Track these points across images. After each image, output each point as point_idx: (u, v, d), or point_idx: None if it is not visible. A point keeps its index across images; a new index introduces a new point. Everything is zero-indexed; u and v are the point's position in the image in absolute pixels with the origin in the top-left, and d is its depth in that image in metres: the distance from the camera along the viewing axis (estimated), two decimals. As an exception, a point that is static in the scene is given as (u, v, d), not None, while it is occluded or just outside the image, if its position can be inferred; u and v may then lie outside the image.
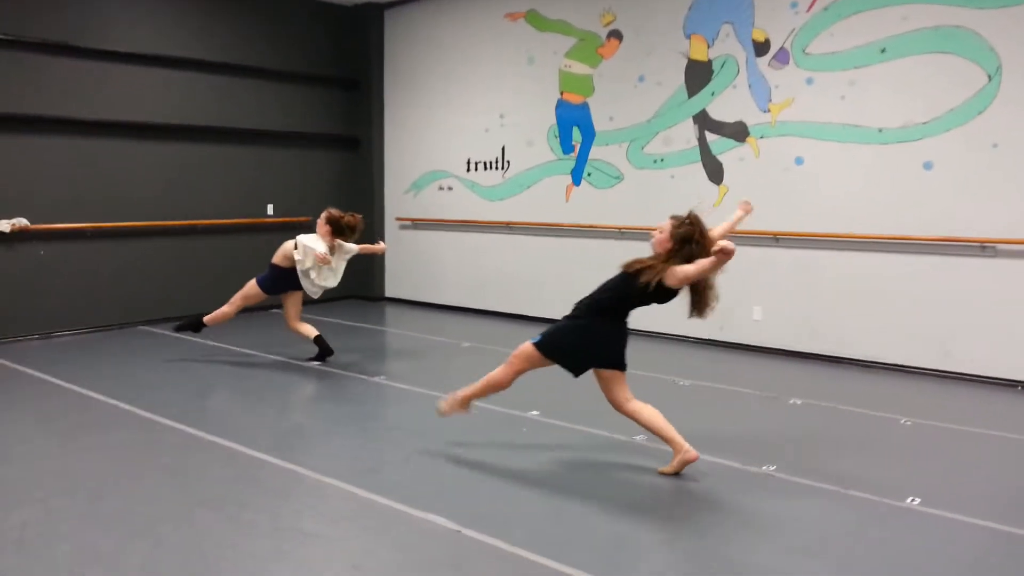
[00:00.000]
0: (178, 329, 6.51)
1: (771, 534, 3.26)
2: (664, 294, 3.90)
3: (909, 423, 4.78)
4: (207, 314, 6.35)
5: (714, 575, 2.92)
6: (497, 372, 4.03)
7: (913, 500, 3.59)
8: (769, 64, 6.48)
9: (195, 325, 6.38)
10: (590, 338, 3.92)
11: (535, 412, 4.85)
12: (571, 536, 3.23)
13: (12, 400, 5.15)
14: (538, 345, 3.93)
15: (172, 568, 2.92)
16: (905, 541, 3.22)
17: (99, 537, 3.17)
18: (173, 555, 3.02)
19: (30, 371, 5.88)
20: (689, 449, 3.82)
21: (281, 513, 3.42)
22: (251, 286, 6.24)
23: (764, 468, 3.98)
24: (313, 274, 6.05)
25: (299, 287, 6.16)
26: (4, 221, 6.82)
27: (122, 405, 4.99)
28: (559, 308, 7.85)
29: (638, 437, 4.41)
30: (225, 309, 6.29)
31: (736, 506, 3.54)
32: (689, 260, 3.81)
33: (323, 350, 6.20)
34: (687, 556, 3.07)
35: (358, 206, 9.58)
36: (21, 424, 4.65)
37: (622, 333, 4.01)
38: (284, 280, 6.15)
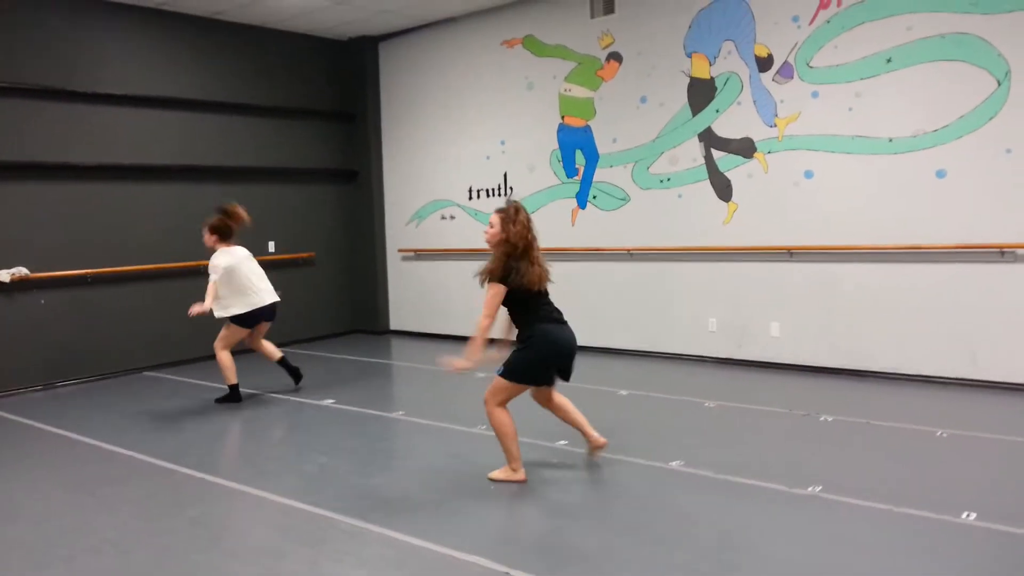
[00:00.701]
0: (219, 401, 6.20)
1: (839, 560, 3.14)
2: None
3: (945, 435, 4.68)
4: (228, 383, 6.14)
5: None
6: (494, 421, 4.09)
7: (969, 515, 3.49)
8: (773, 79, 6.47)
9: (232, 395, 6.14)
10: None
11: (563, 442, 4.73)
12: (630, 572, 3.09)
13: (21, 455, 4.98)
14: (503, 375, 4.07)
15: (214, 628, 2.78)
16: (970, 559, 3.10)
17: (133, 598, 3.01)
18: (213, 613, 2.88)
19: (36, 424, 5.71)
20: (598, 437, 4.32)
21: (320, 563, 3.27)
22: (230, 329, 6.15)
23: (810, 489, 3.86)
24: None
25: (265, 318, 6.17)
26: (3, 271, 6.68)
27: (137, 455, 4.83)
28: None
29: (674, 463, 4.29)
30: (221, 358, 6.10)
31: (792, 530, 3.42)
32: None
33: (291, 373, 6.31)
34: (750, 587, 2.95)
35: (359, 238, 9.52)
36: (34, 479, 4.48)
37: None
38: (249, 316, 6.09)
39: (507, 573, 3.10)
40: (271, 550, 3.40)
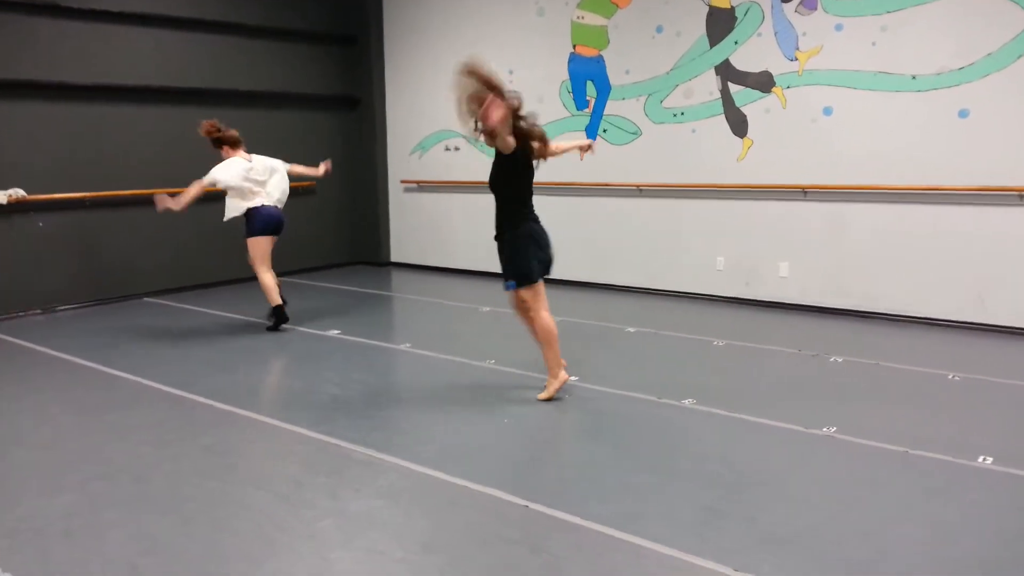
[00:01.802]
0: (271, 329, 6.04)
1: (857, 499, 3.14)
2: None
3: (957, 378, 4.68)
4: (272, 303, 6.03)
5: (811, 546, 2.80)
6: (539, 322, 4.29)
7: (985, 459, 3.49)
8: (796, 10, 6.25)
9: (278, 316, 6.02)
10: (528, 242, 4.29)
11: (575, 378, 4.70)
12: (647, 508, 3.09)
13: (25, 378, 4.93)
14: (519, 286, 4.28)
15: (237, 554, 2.76)
16: (985, 501, 3.11)
17: (151, 523, 2.99)
18: (234, 540, 2.86)
19: (38, 347, 5.64)
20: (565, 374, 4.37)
21: (338, 492, 3.26)
22: (251, 244, 6.09)
23: (825, 430, 3.86)
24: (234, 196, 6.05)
25: (272, 229, 6.06)
26: (0, 192, 6.51)
27: (144, 381, 4.78)
28: (576, 270, 7.75)
29: (686, 401, 4.28)
30: (263, 279, 6.01)
31: (809, 470, 3.42)
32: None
33: (279, 319, 6.04)
34: (769, 528, 2.95)
35: (360, 168, 9.34)
36: (40, 403, 4.44)
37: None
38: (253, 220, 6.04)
39: (526, 506, 3.09)
40: (288, 478, 3.39)
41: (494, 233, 4.34)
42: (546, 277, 4.41)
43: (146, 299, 7.42)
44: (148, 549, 2.81)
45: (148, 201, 7.51)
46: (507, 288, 4.32)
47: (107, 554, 2.78)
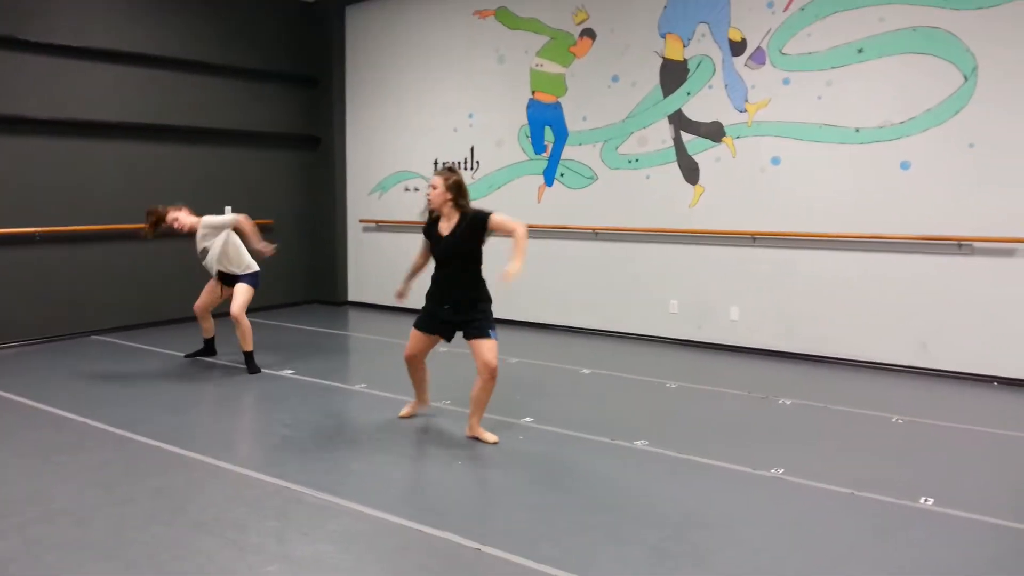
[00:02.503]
0: (252, 372, 5.90)
1: (803, 541, 3.20)
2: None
3: (901, 421, 4.81)
4: (244, 349, 5.95)
5: (751, 586, 2.84)
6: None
7: (926, 500, 3.59)
8: (746, 64, 6.49)
9: (251, 365, 5.94)
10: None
11: (528, 419, 4.73)
12: (598, 550, 3.11)
13: (-34, 418, 4.78)
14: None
15: (180, 601, 2.70)
16: (929, 543, 3.19)
17: (94, 568, 2.92)
18: (178, 586, 2.80)
19: (-20, 386, 5.48)
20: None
21: (286, 536, 3.21)
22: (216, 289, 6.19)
23: (773, 471, 3.93)
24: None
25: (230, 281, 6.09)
26: (-54, 226, 6.37)
27: (91, 422, 4.67)
28: (532, 311, 7.82)
29: (639, 443, 4.32)
30: (246, 323, 5.93)
31: (757, 511, 3.48)
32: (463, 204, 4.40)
33: (207, 350, 6.35)
34: (719, 571, 2.98)
35: (319, 207, 9.35)
36: (-19, 445, 4.31)
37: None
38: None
39: (478, 549, 3.09)
40: (235, 523, 3.33)
41: (454, 301, 4.43)
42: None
43: (94, 337, 7.27)
44: (88, 596, 2.73)
45: (99, 237, 7.44)
46: (492, 336, 4.38)
47: (45, 601, 2.69)
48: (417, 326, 4.60)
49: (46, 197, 7.01)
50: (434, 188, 4.38)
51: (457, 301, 4.40)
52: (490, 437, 4.37)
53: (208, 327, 6.34)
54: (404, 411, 4.84)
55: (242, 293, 5.91)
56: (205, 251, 5.96)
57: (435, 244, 4.45)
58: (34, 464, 4.00)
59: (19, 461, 4.05)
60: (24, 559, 2.99)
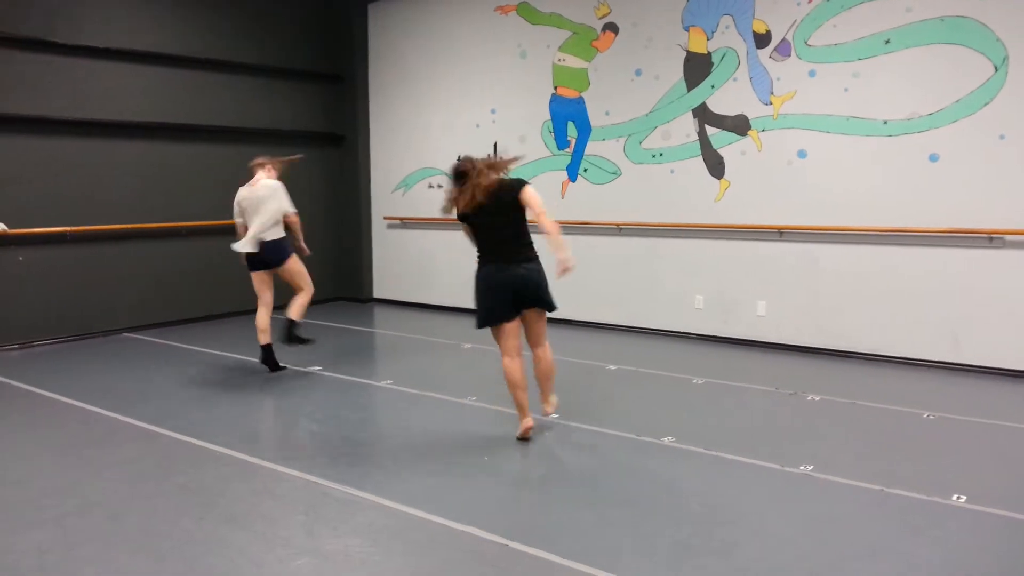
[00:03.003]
0: (288, 343, 5.82)
1: (833, 537, 3.17)
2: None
3: (932, 417, 4.75)
4: (292, 315, 5.79)
5: (779, 582, 2.82)
6: (506, 365, 4.31)
7: (959, 498, 3.54)
8: (770, 56, 6.43)
9: (291, 335, 5.78)
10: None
11: (554, 416, 4.73)
12: (623, 545, 3.10)
13: (2, 414, 4.87)
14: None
15: (211, 594, 2.74)
16: (961, 541, 3.15)
17: (125, 561, 2.96)
18: (209, 579, 2.84)
19: (14, 383, 5.59)
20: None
21: (315, 529, 3.24)
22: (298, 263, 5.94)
23: (801, 468, 3.90)
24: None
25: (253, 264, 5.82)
26: (-20, 225, 6.50)
27: (122, 417, 4.75)
28: (558, 308, 7.77)
29: (666, 439, 4.31)
30: (302, 296, 5.88)
31: (787, 507, 3.45)
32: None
33: (268, 362, 5.84)
34: (747, 565, 2.96)
35: (344, 204, 9.40)
36: (16, 440, 4.40)
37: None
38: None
39: (505, 544, 3.09)
40: (264, 516, 3.37)
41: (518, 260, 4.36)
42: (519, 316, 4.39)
43: (125, 334, 7.38)
44: (122, 588, 2.78)
45: (129, 236, 7.55)
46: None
47: (80, 593, 2.74)
48: (493, 320, 4.28)
49: (75, 197, 7.12)
50: (479, 184, 4.21)
51: (521, 258, 4.29)
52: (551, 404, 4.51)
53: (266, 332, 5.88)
54: (522, 430, 4.32)
55: (296, 265, 5.88)
56: (250, 210, 5.76)
57: (475, 217, 4.26)
58: (68, 458, 4.08)
59: (53, 456, 4.12)
60: (60, 550, 3.05)
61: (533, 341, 4.43)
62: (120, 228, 7.43)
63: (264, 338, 5.80)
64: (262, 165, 6.00)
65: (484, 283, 4.29)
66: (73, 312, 7.17)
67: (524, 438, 4.30)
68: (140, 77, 7.52)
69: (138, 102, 7.51)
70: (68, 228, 7.05)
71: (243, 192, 5.88)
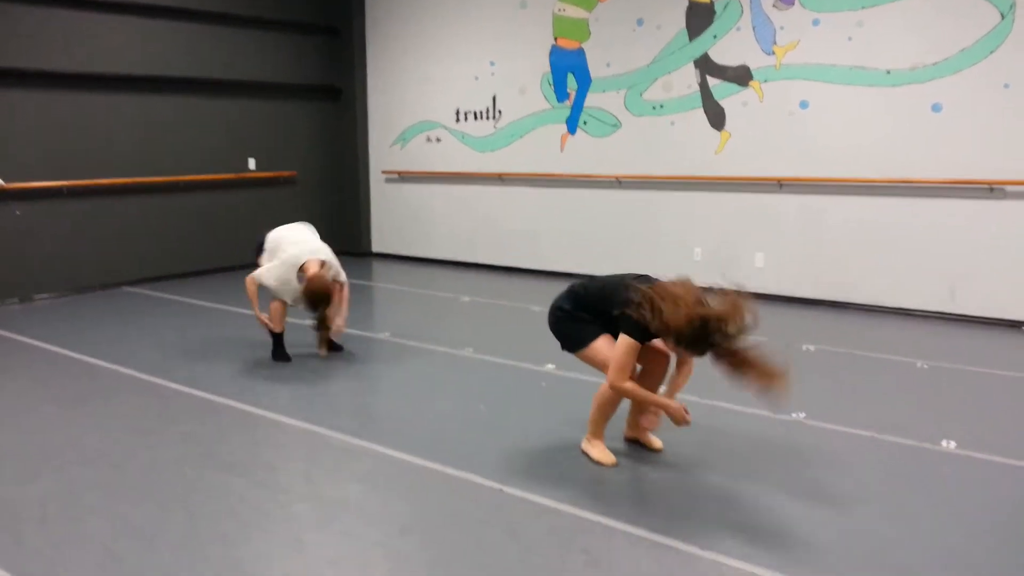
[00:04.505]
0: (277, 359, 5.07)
1: (824, 482, 3.22)
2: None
3: (926, 366, 4.78)
4: (273, 331, 5.01)
5: (778, 525, 2.87)
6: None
7: (949, 443, 3.58)
8: (774, 5, 6.32)
9: (278, 351, 5.05)
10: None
11: (551, 365, 4.76)
12: (617, 491, 3.16)
13: (2, 367, 4.92)
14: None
15: (212, 538, 2.80)
16: (948, 485, 3.20)
17: (128, 509, 3.02)
18: (210, 525, 2.89)
19: (16, 336, 5.63)
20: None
21: (314, 477, 3.30)
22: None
23: (794, 415, 3.94)
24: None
25: None
26: (-23, 180, 6.48)
27: (123, 370, 4.79)
28: (556, 260, 7.82)
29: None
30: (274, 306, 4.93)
31: (778, 454, 3.50)
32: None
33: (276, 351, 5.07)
34: (739, 508, 3.02)
35: (342, 158, 9.35)
36: (19, 391, 4.45)
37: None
38: None
39: (500, 489, 3.15)
40: (264, 464, 3.42)
41: None
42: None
43: (125, 288, 7.40)
44: (124, 533, 2.83)
45: (126, 190, 7.53)
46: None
47: (83, 538, 2.80)
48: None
49: (73, 151, 7.09)
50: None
51: None
52: (656, 442, 3.60)
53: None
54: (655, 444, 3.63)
55: None
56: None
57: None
58: (70, 410, 4.13)
59: (55, 408, 4.17)
60: (63, 499, 3.10)
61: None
62: (118, 182, 7.40)
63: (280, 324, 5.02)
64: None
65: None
66: (72, 267, 7.19)
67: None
68: (137, 30, 7.42)
69: (135, 55, 7.42)
70: (65, 182, 7.02)
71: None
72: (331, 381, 4.60)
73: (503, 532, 2.82)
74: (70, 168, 7.08)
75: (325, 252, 4.87)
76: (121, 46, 7.32)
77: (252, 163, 8.49)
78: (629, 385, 3.23)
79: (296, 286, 4.70)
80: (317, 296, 4.62)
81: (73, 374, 4.76)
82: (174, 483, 3.24)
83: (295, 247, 4.78)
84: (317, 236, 5.06)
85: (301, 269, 4.70)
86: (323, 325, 4.86)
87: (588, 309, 3.39)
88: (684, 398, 4.20)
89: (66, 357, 5.10)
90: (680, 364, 3.43)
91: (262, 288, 4.79)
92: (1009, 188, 5.57)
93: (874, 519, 2.91)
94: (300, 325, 5.76)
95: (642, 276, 3.36)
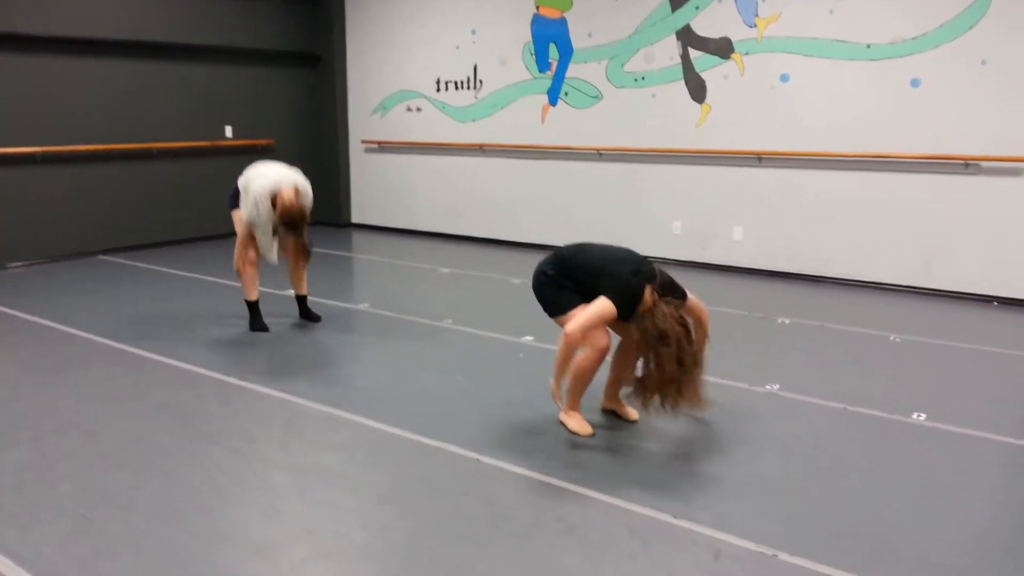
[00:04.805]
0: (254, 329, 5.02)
1: (795, 452, 3.27)
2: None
3: (899, 340, 4.85)
4: (248, 298, 5.00)
5: (750, 495, 2.92)
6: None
7: (919, 415, 3.65)
8: (756, -23, 6.29)
9: (255, 321, 5.01)
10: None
11: (529, 337, 4.78)
12: (593, 460, 3.19)
13: (-24, 335, 4.87)
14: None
15: (188, 506, 2.80)
16: (917, 456, 3.27)
17: (103, 476, 3.02)
18: (186, 492, 2.90)
19: (-11, 305, 5.56)
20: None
21: (292, 446, 3.30)
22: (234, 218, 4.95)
23: (768, 387, 3.99)
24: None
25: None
26: (-54, 145, 6.34)
27: (98, 339, 4.75)
28: (536, 232, 7.81)
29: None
30: (237, 266, 4.93)
31: (752, 426, 3.55)
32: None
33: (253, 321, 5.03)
34: (712, 477, 3.06)
35: (320, 127, 9.24)
36: (-8, 360, 4.40)
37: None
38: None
39: (477, 459, 3.17)
40: (242, 433, 3.42)
41: None
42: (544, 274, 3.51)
43: (100, 257, 7.32)
44: (99, 501, 2.83)
45: (101, 157, 7.41)
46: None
47: (58, 506, 2.80)
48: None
49: (46, 117, 6.95)
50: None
51: None
52: (632, 413, 3.60)
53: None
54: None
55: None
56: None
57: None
58: (45, 379, 4.09)
59: (30, 377, 4.14)
60: (38, 467, 3.09)
61: None
62: (92, 149, 7.28)
63: (253, 292, 5.03)
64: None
65: None
66: (46, 235, 7.09)
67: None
68: (107, -9, 7.26)
69: (109, 19, 7.26)
70: (39, 148, 6.90)
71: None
72: (309, 352, 4.59)
73: (480, 501, 2.85)
74: (44, 134, 6.94)
75: (297, 178, 4.85)
76: (95, 10, 7.15)
77: (229, 131, 8.38)
78: (577, 339, 3.22)
79: (272, 214, 4.70)
80: (293, 218, 4.66)
81: (48, 343, 4.71)
82: (150, 452, 3.23)
83: (267, 180, 4.72)
84: (286, 167, 4.97)
85: (275, 197, 4.69)
86: (296, 231, 4.77)
87: (572, 278, 3.41)
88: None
89: (40, 325, 5.05)
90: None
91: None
92: (984, 164, 5.62)
93: (846, 490, 2.97)
94: (277, 296, 5.73)
95: (644, 260, 3.34)
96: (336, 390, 3.96)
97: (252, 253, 4.89)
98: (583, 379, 3.42)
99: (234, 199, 4.95)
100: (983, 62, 5.50)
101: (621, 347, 3.57)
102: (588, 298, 3.33)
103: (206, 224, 8.09)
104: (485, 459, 3.17)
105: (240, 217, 4.86)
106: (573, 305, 3.37)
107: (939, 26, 5.61)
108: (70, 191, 7.22)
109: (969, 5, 5.48)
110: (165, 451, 3.24)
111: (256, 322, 5.02)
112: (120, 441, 3.34)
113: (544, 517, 2.74)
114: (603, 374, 3.62)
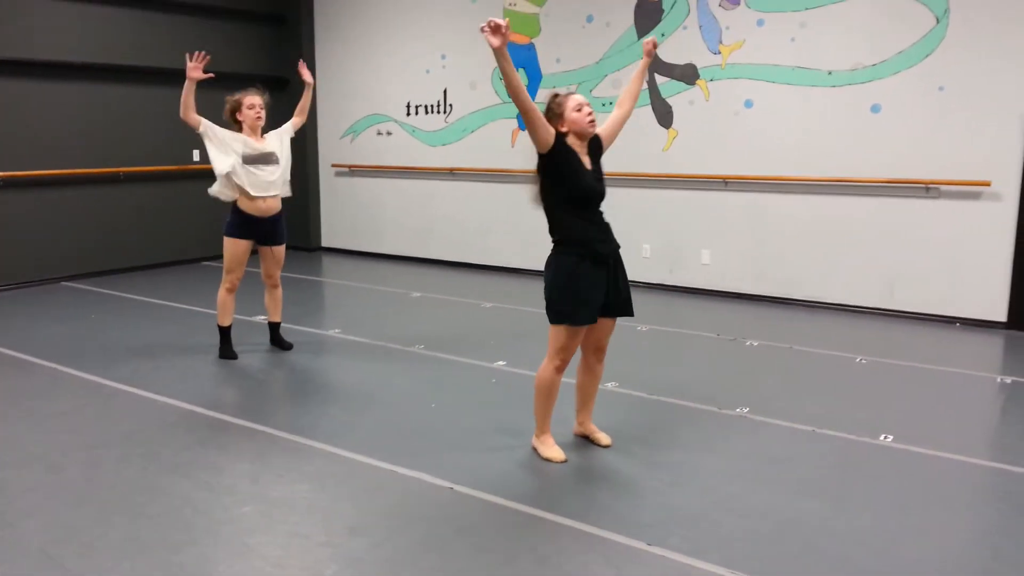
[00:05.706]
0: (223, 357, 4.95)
1: (765, 475, 3.30)
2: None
3: (864, 361, 4.93)
4: (221, 323, 4.95)
5: (722, 520, 2.94)
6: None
7: (886, 437, 3.70)
8: (720, 4, 6.42)
9: (225, 348, 4.97)
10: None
11: (501, 362, 4.78)
12: (566, 488, 3.19)
13: (-66, 366, 4.75)
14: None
15: (155, 541, 2.74)
16: (885, 477, 3.31)
17: (68, 511, 2.95)
18: (154, 527, 2.84)
19: (-52, 334, 5.43)
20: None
21: (261, 477, 3.26)
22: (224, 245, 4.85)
23: (738, 410, 4.03)
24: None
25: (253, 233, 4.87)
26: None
27: (62, 368, 4.66)
28: (507, 256, 7.83)
29: (610, 384, 4.40)
30: (220, 296, 4.91)
31: (722, 448, 3.57)
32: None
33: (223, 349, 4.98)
34: (684, 503, 3.08)
35: (291, 151, 9.18)
36: (-50, 392, 4.29)
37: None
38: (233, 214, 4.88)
39: (451, 488, 3.16)
40: (210, 466, 3.37)
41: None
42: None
43: (63, 283, 7.19)
44: (63, 538, 2.76)
45: (65, 181, 7.30)
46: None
47: (20, 543, 2.72)
48: (578, 320, 3.46)
49: (8, 140, 6.85)
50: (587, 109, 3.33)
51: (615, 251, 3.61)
52: (604, 438, 3.59)
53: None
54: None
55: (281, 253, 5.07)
56: (269, 157, 5.05)
57: (581, 177, 3.43)
58: (5, 410, 4.00)
59: (-10, 408, 4.04)
60: (0, 500, 3.02)
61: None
62: (56, 173, 7.18)
63: (227, 317, 4.96)
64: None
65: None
66: (8, 261, 6.96)
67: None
68: (77, 16, 7.20)
69: (74, 42, 7.19)
70: (1, 173, 6.78)
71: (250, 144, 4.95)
72: (279, 380, 4.54)
73: (453, 531, 2.83)
74: (6, 158, 6.83)
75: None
76: (60, 33, 7.09)
77: (196, 155, 8.31)
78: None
79: (234, 134, 5.03)
80: (255, 104, 5.07)
81: (10, 372, 4.61)
82: (115, 485, 3.17)
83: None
84: None
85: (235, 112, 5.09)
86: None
87: None
88: (631, 384, 4.26)
89: (2, 355, 4.94)
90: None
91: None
92: (944, 188, 5.76)
93: (814, 511, 3.00)
94: (248, 323, 5.68)
95: None
96: (306, 419, 3.92)
97: (233, 279, 4.86)
98: (546, 394, 3.43)
99: (228, 225, 4.91)
100: (940, 88, 5.65)
101: (581, 367, 3.61)
102: None
103: (173, 250, 8.00)
104: (459, 488, 3.16)
105: (226, 245, 4.83)
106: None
107: (898, 53, 5.77)
108: (33, 216, 7.10)
109: (926, 33, 5.64)
110: (132, 485, 3.17)
111: (225, 349, 4.96)
112: (85, 474, 3.27)
113: (519, 547, 2.73)
114: (568, 397, 3.62)
